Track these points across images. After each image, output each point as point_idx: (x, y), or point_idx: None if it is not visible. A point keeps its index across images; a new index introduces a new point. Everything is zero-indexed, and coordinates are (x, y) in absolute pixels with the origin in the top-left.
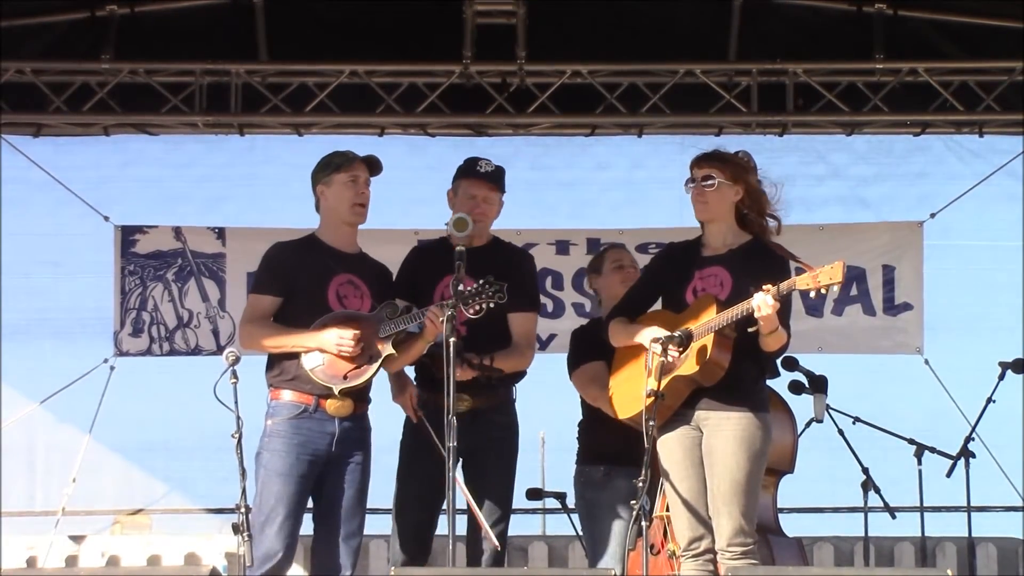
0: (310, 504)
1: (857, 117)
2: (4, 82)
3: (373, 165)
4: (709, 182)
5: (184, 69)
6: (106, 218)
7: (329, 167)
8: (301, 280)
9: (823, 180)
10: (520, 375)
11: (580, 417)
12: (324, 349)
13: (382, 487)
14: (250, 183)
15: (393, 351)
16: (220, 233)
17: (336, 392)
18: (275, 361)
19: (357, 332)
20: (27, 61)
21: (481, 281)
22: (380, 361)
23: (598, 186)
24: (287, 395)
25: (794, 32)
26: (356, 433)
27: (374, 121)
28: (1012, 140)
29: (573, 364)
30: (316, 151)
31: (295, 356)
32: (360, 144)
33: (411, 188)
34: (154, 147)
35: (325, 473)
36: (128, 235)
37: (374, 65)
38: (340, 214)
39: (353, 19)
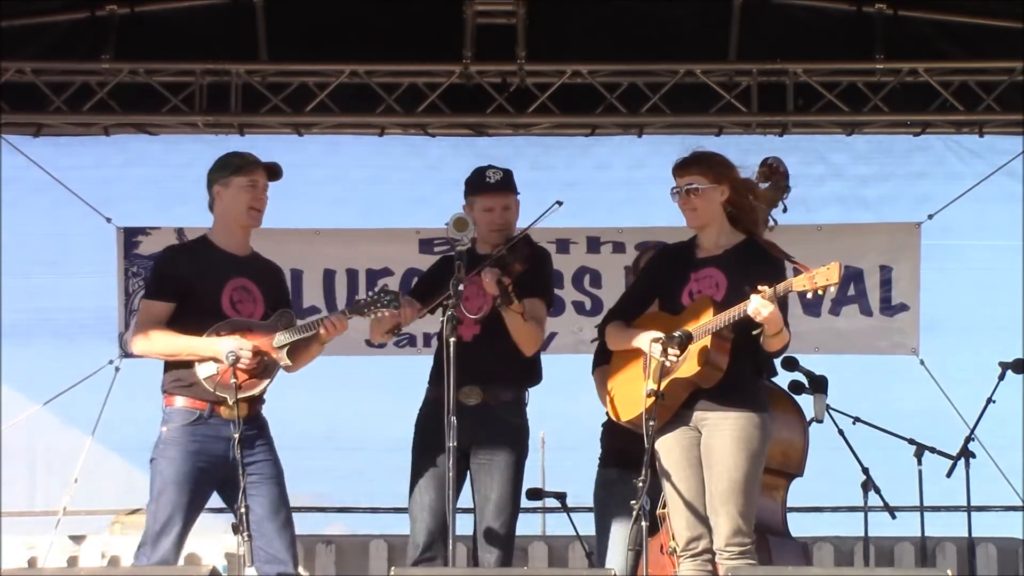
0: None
1: (857, 117)
2: (4, 82)
3: (273, 172)
4: (693, 187)
5: (184, 69)
6: (108, 220)
7: (228, 168)
8: (195, 285)
9: (823, 180)
10: (534, 377)
11: (602, 419)
12: (219, 360)
13: (383, 486)
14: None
15: (289, 362)
16: None
17: (230, 403)
18: (170, 367)
19: (256, 344)
20: (27, 61)
21: (376, 289)
22: (275, 372)
23: (598, 186)
24: (180, 401)
25: (794, 32)
26: (253, 431)
27: (374, 121)
28: (1012, 140)
29: (596, 362)
30: (316, 151)
31: (189, 364)
32: (360, 144)
33: (411, 188)
34: (154, 147)
35: (230, 477)
36: (131, 237)
37: (374, 65)
38: (236, 217)
39: (353, 19)
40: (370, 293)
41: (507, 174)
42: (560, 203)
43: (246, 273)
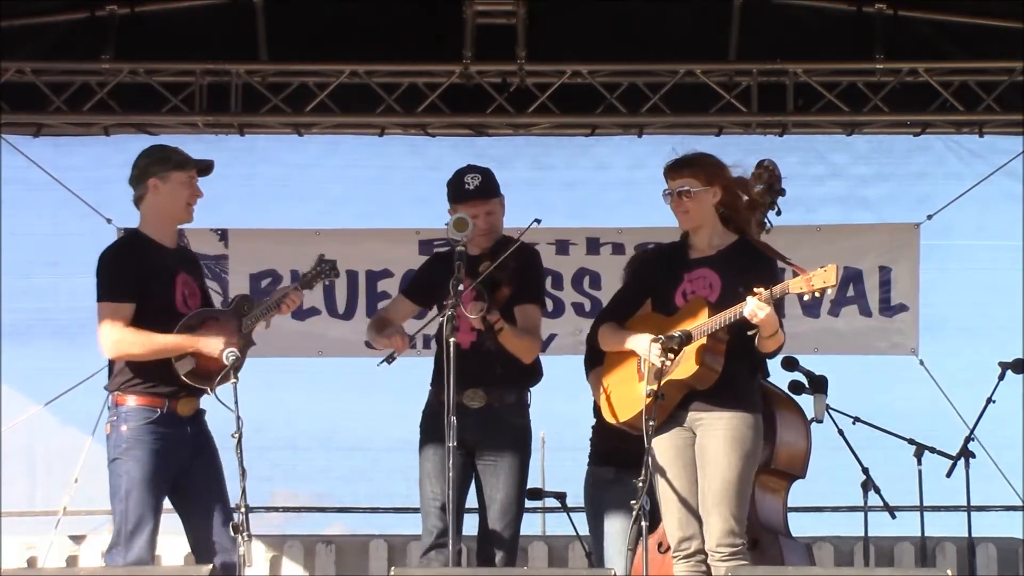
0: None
1: (857, 117)
2: (4, 82)
3: (206, 168)
4: (685, 190)
5: (184, 69)
6: (108, 220)
7: (168, 162)
8: (150, 284)
9: (823, 180)
10: (535, 377)
11: (592, 420)
12: (203, 353)
13: (383, 486)
14: (250, 183)
15: (254, 343)
16: (223, 235)
17: (212, 393)
18: (125, 366)
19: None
20: (27, 61)
21: (315, 262)
22: (245, 359)
23: (598, 186)
24: (136, 400)
25: (794, 32)
26: (202, 427)
27: (374, 121)
28: (1012, 140)
29: (589, 365)
30: (316, 151)
31: (148, 362)
32: (360, 144)
33: (411, 188)
34: None
35: (185, 473)
36: None
37: (374, 65)
38: (174, 212)
39: (353, 19)
40: (313, 265)
41: (486, 177)
42: (538, 221)
43: (184, 267)
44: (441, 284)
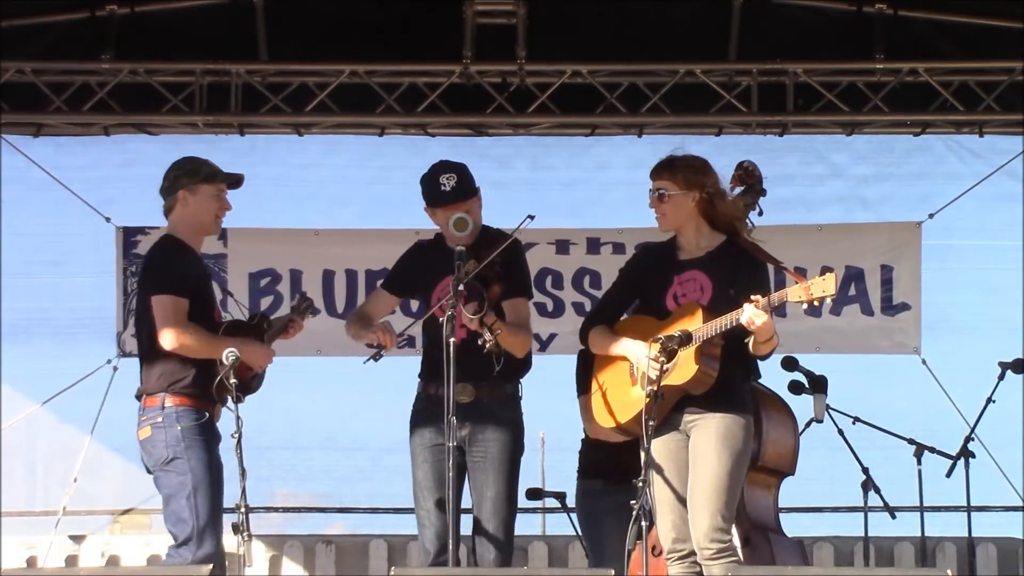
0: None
1: (857, 117)
2: (4, 82)
3: (236, 182)
4: (662, 193)
5: (184, 69)
6: (107, 219)
7: (197, 175)
8: (199, 285)
9: (823, 180)
10: (524, 369)
11: (582, 435)
12: (243, 361)
13: (383, 486)
14: (250, 183)
15: None
16: (222, 234)
17: (243, 398)
18: (160, 366)
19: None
20: (27, 61)
21: (300, 297)
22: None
23: (598, 186)
24: (187, 402)
25: (794, 32)
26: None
27: (374, 121)
28: (1012, 140)
29: (581, 388)
30: (316, 151)
31: (191, 363)
32: (360, 144)
33: (411, 188)
34: (154, 147)
35: None
36: (130, 236)
37: (374, 65)
38: (204, 223)
39: (353, 19)
40: (299, 300)
41: (461, 176)
42: (532, 217)
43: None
44: (419, 274)
